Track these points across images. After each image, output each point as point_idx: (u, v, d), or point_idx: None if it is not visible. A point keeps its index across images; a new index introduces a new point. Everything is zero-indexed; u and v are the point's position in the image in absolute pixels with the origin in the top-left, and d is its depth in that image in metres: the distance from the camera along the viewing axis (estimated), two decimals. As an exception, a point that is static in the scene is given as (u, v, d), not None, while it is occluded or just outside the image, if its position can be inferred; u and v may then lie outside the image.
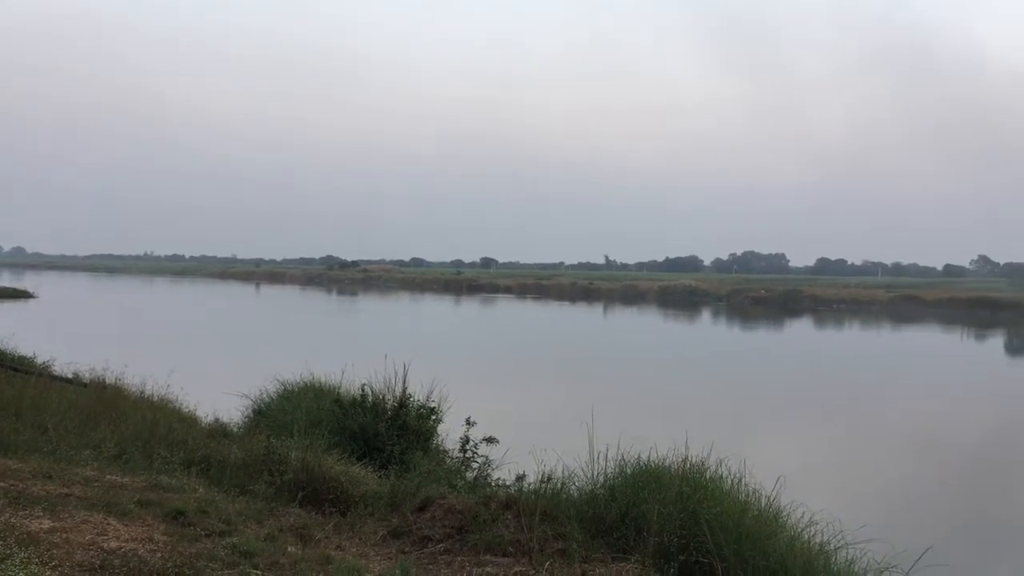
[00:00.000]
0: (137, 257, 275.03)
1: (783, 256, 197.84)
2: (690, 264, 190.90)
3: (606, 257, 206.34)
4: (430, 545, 6.97)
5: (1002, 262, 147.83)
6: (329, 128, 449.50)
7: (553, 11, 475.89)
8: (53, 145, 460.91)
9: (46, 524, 5.87)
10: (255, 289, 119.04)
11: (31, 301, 68.51)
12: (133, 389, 13.69)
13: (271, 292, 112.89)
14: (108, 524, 6.10)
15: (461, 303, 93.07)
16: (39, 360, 16.99)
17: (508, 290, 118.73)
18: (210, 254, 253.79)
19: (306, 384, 14.15)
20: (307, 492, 8.05)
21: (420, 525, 7.34)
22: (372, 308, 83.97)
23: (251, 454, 9.17)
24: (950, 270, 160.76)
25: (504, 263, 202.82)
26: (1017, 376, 40.37)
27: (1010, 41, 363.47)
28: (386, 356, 11.18)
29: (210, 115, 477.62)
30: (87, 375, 14.70)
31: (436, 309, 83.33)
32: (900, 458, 19.80)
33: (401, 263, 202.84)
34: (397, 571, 5.91)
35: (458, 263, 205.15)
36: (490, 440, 10.31)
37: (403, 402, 11.03)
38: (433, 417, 11.30)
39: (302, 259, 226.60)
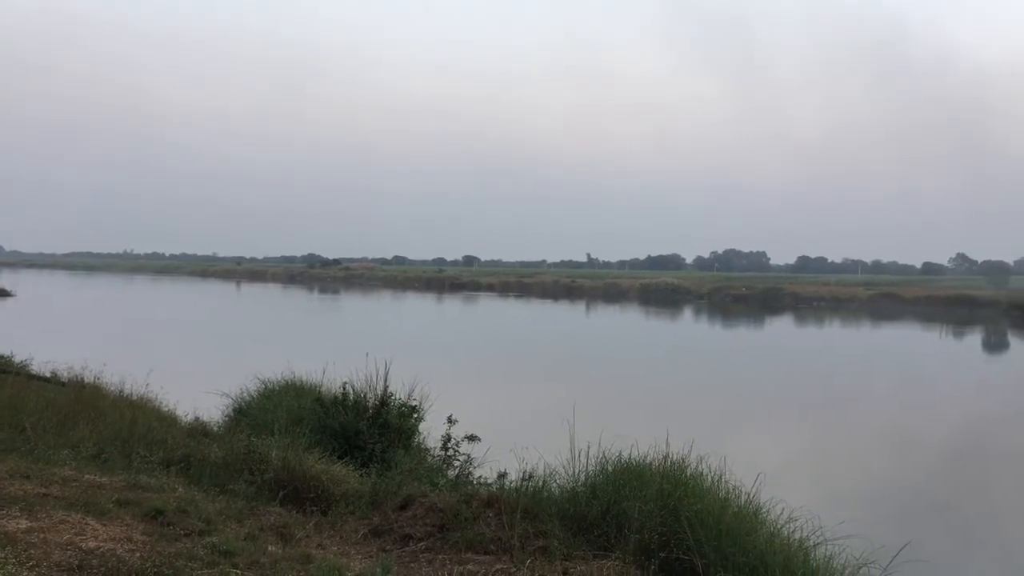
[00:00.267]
0: (116, 255, 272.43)
1: (764, 254, 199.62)
2: (672, 262, 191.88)
3: (588, 255, 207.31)
4: (411, 543, 6.97)
5: (980, 260, 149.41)
6: (316, 125, 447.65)
7: (529, 10, 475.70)
8: (45, 145, 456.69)
9: (24, 524, 5.83)
10: (236, 287, 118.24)
11: (9, 300, 67.83)
12: (112, 388, 13.53)
13: (252, 290, 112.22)
14: (86, 524, 6.06)
15: (443, 301, 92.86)
16: (17, 359, 16.81)
17: (490, 288, 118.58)
18: (190, 252, 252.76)
19: (287, 383, 14.04)
20: (288, 491, 8.03)
21: (401, 523, 7.34)
22: (354, 306, 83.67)
23: (231, 453, 9.12)
24: (929, 268, 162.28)
25: (486, 261, 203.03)
26: (994, 372, 40.81)
27: (980, 38, 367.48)
28: (367, 354, 11.11)
29: (206, 115, 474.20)
30: (65, 374, 14.59)
31: (418, 307, 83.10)
32: (879, 455, 19.98)
33: (383, 261, 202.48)
34: (378, 569, 5.90)
35: (440, 261, 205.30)
36: (472, 438, 10.29)
37: (384, 400, 10.99)
38: (414, 415, 11.27)
39: (284, 257, 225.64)
